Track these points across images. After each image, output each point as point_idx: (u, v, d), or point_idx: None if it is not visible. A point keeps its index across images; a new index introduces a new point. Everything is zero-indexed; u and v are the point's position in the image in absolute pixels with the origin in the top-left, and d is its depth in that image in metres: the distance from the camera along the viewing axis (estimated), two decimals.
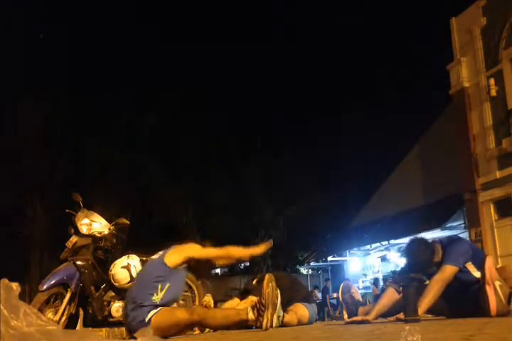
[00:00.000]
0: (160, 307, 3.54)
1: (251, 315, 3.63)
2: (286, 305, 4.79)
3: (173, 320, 3.50)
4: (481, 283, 3.57)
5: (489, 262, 3.60)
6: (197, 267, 3.85)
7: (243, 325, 3.80)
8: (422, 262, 3.78)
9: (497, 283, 3.54)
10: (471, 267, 3.70)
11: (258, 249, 3.96)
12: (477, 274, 3.67)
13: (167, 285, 3.60)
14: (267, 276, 3.84)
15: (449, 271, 3.68)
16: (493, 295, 3.48)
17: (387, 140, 23.59)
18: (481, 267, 3.66)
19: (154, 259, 3.75)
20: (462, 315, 3.58)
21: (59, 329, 2.13)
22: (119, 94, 22.34)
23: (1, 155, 19.40)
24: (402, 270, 4.34)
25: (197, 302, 5.30)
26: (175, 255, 3.66)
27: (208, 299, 5.53)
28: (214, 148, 24.53)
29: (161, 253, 3.78)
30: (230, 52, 32.61)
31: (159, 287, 3.57)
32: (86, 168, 21.86)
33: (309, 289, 17.43)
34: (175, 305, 4.19)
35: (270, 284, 3.75)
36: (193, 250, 3.69)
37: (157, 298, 3.56)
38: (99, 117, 22.02)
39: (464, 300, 3.64)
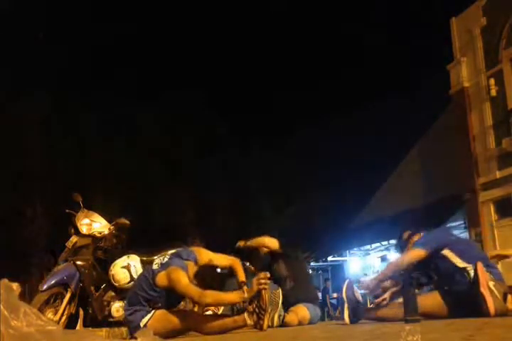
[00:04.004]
0: (152, 312, 3.62)
1: (249, 321, 3.65)
2: (289, 305, 4.77)
3: (169, 326, 3.61)
4: (475, 287, 3.56)
5: (479, 266, 3.60)
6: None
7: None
8: None
9: (491, 284, 3.55)
10: (449, 254, 3.72)
11: (246, 294, 3.71)
12: (460, 263, 3.67)
13: (159, 303, 3.73)
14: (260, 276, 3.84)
15: (412, 252, 3.78)
16: (490, 296, 3.48)
17: (387, 140, 23.57)
18: (469, 261, 3.67)
19: (151, 271, 3.80)
20: (462, 315, 3.58)
21: (59, 329, 2.13)
22: (119, 93, 22.34)
23: (1, 155, 19.38)
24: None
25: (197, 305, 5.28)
26: (164, 279, 3.69)
27: None
28: (214, 147, 24.52)
29: (161, 261, 3.83)
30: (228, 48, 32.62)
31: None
32: (86, 167, 21.84)
33: None
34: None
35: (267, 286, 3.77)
36: (179, 283, 3.68)
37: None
38: (100, 117, 22.03)
39: (464, 304, 3.63)
